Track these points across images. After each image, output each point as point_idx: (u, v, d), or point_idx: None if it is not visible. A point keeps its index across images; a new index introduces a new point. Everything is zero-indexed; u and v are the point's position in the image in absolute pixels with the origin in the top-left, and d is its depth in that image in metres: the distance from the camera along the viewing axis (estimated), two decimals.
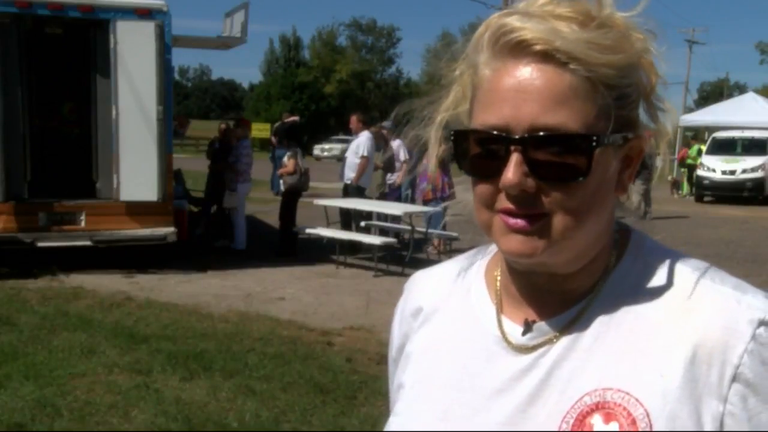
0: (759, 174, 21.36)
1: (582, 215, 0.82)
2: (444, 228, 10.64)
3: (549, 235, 0.81)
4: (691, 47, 44.03)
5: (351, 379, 5.27)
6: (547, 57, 0.79)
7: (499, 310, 0.93)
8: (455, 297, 0.99)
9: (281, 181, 10.72)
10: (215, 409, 4.71)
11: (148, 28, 8.61)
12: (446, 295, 1.00)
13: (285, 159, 10.86)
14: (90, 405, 4.66)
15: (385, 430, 0.97)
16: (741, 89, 65.64)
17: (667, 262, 0.88)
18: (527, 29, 0.79)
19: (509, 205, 0.81)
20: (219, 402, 4.81)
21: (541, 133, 0.79)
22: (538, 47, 0.79)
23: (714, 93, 73.03)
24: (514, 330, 0.90)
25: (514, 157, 0.79)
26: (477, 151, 0.84)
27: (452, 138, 0.88)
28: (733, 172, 21.42)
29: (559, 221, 0.81)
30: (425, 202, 10.84)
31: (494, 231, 0.84)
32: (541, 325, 0.88)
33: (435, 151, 0.93)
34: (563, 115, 0.79)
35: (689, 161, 23.44)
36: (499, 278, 0.96)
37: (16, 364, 5.39)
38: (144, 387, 4.99)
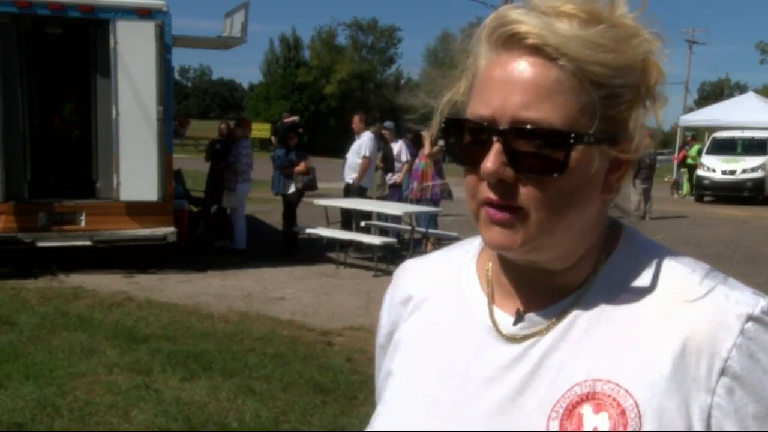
0: (759, 174, 21.36)
1: (558, 212, 0.82)
2: (435, 228, 10.63)
3: (526, 230, 0.82)
4: (691, 47, 43.96)
5: (351, 379, 5.27)
6: (537, 51, 0.80)
7: (491, 300, 0.94)
8: (446, 286, 1.00)
9: (293, 181, 10.62)
10: (215, 409, 4.71)
11: (148, 28, 8.61)
12: (437, 284, 1.01)
13: (295, 159, 10.74)
14: (90, 405, 4.66)
15: (375, 417, 0.97)
16: (741, 89, 65.51)
17: (657, 258, 0.89)
18: (522, 23, 0.81)
19: (489, 195, 0.83)
20: (219, 402, 4.81)
21: (522, 126, 0.80)
22: (529, 41, 0.80)
23: (714, 93, 72.94)
24: (505, 320, 0.91)
25: (495, 147, 0.81)
26: (467, 141, 0.86)
27: (443, 126, 0.89)
28: (733, 172, 21.41)
29: (535, 216, 0.82)
30: (413, 201, 10.83)
31: (479, 222, 0.86)
32: (532, 316, 0.89)
33: (435, 130, 0.93)
34: (546, 109, 0.80)
35: (689, 161, 23.44)
36: (490, 269, 0.96)
37: (16, 364, 5.39)
38: (144, 387, 4.99)
